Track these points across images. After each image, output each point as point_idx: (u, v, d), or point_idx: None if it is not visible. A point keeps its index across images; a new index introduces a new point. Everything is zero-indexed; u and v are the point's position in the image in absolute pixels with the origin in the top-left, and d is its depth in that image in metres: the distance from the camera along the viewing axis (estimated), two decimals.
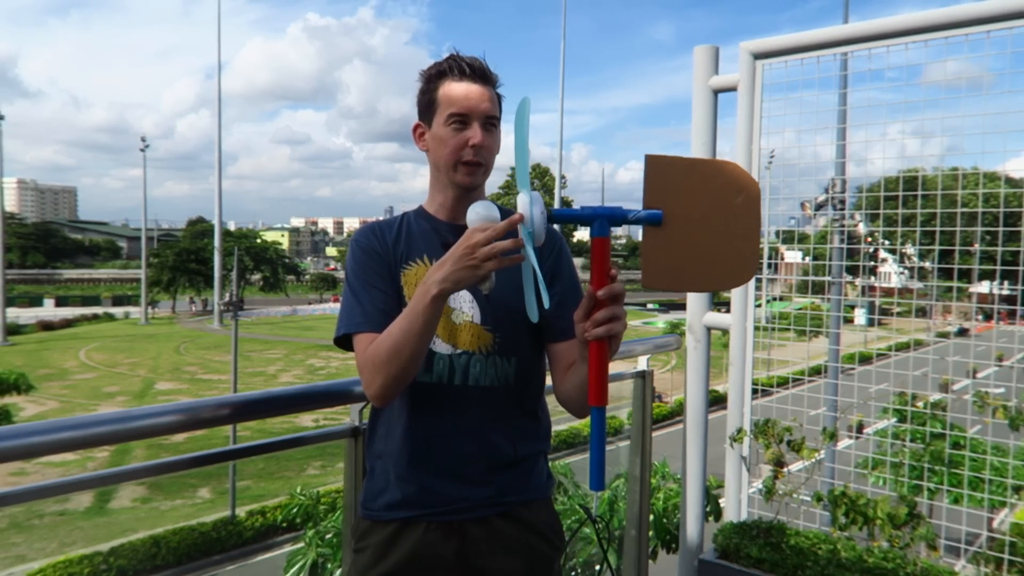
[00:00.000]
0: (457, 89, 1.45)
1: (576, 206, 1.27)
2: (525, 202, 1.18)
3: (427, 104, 1.50)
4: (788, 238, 2.88)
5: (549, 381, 1.62)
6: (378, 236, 1.55)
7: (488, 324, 1.48)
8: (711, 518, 3.45)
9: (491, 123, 1.47)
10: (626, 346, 2.41)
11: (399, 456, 1.49)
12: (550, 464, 1.65)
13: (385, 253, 1.53)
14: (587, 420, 1.50)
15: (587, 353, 1.22)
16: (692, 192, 1.17)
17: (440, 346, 1.48)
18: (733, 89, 2.34)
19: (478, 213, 1.27)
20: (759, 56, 2.30)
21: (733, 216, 1.19)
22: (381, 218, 1.67)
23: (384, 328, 1.37)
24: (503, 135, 1.55)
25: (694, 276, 1.21)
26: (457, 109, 1.44)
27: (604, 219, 1.17)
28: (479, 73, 1.47)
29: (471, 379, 1.47)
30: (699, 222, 1.18)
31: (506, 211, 1.53)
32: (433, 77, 1.49)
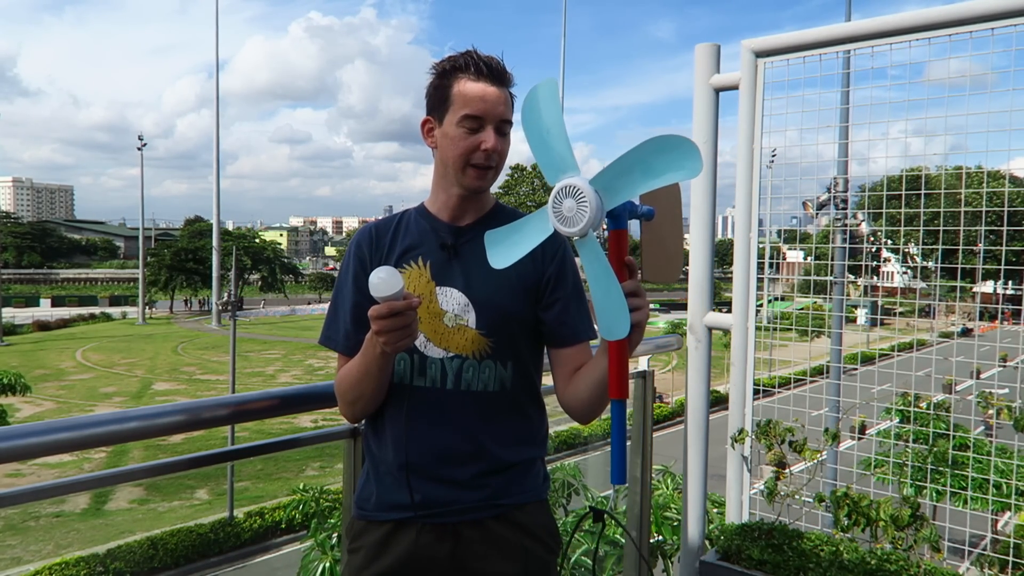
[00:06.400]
0: (473, 89, 1.40)
1: None
2: (587, 190, 1.15)
3: (440, 100, 1.45)
4: (790, 238, 2.87)
5: (548, 381, 1.60)
6: (373, 240, 1.54)
7: (483, 328, 1.46)
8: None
9: (505, 127, 1.44)
10: None
11: (392, 458, 1.48)
12: (555, 464, 1.65)
13: (372, 259, 1.52)
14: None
15: (607, 346, 1.24)
16: (657, 198, 1.36)
17: (432, 350, 1.46)
18: (734, 88, 2.33)
19: (382, 279, 1.24)
20: (761, 54, 2.29)
21: (672, 219, 1.44)
22: (380, 217, 1.67)
23: (352, 352, 1.45)
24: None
25: (663, 269, 1.43)
26: (472, 111, 1.40)
27: (625, 212, 1.21)
28: (496, 74, 1.42)
29: (463, 384, 1.45)
30: (665, 222, 1.39)
31: (515, 213, 1.53)
32: (447, 72, 1.44)
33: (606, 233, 1.23)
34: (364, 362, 1.38)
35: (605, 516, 1.35)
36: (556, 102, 1.21)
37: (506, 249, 1.29)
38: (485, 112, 1.40)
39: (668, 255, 1.41)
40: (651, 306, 1.30)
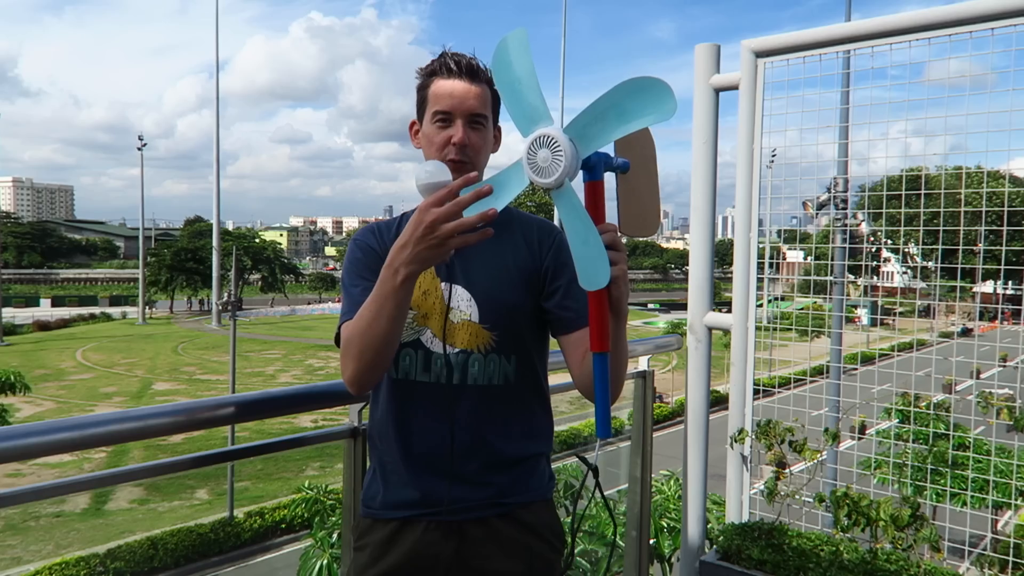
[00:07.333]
0: (443, 87, 1.47)
1: None
2: (562, 138, 1.14)
3: (420, 102, 1.53)
4: (790, 238, 2.87)
5: (554, 380, 1.60)
6: (376, 235, 1.56)
7: (487, 322, 1.47)
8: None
9: (476, 121, 1.48)
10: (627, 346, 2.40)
11: (397, 455, 1.49)
12: (558, 465, 1.64)
13: (383, 251, 1.52)
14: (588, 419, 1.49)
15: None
16: (631, 148, 1.35)
17: (438, 346, 1.47)
18: (734, 88, 2.33)
19: (429, 172, 1.17)
20: (761, 54, 2.29)
21: (646, 170, 1.42)
22: (380, 218, 1.67)
23: None
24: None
25: (642, 222, 1.42)
26: (441, 107, 1.46)
27: (601, 163, 1.21)
28: (466, 70, 1.47)
29: (469, 378, 1.46)
30: (640, 174, 1.39)
31: (510, 209, 1.52)
32: (426, 75, 1.51)
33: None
34: (379, 296, 1.27)
35: (597, 468, 1.34)
36: (527, 53, 1.21)
37: (481, 207, 1.22)
38: (452, 107, 1.46)
39: (645, 207, 1.41)
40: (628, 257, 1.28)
